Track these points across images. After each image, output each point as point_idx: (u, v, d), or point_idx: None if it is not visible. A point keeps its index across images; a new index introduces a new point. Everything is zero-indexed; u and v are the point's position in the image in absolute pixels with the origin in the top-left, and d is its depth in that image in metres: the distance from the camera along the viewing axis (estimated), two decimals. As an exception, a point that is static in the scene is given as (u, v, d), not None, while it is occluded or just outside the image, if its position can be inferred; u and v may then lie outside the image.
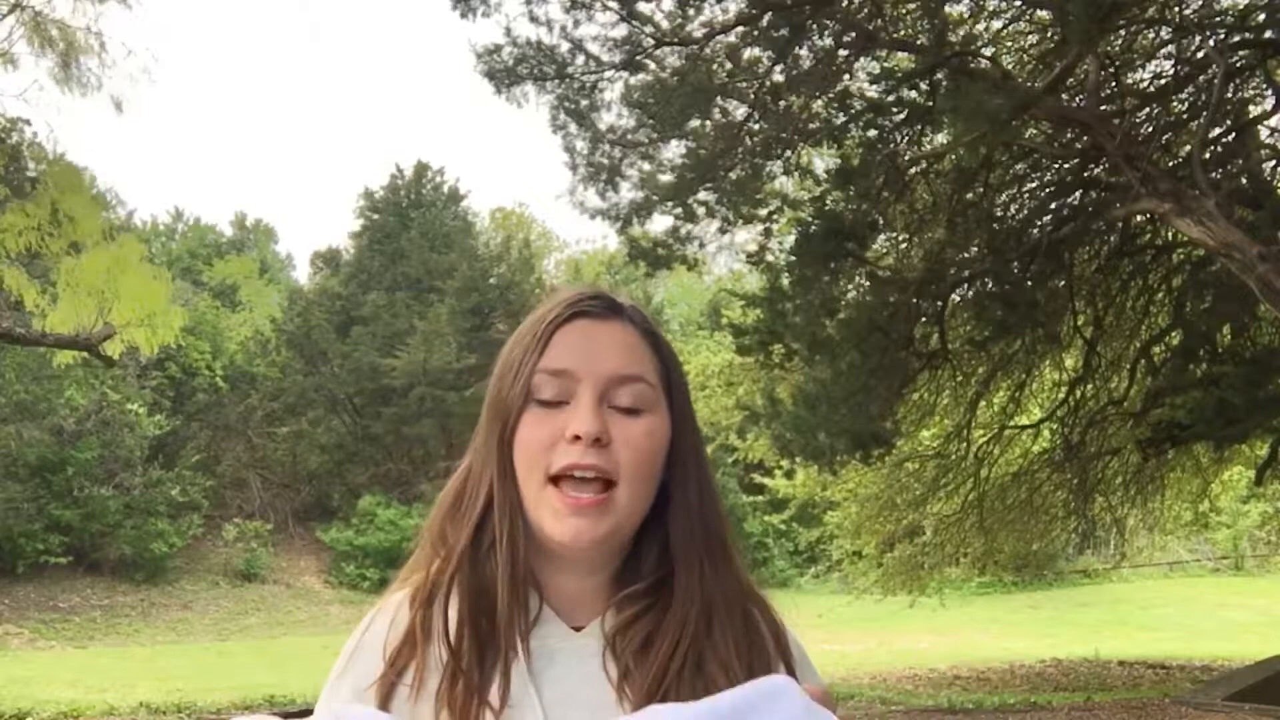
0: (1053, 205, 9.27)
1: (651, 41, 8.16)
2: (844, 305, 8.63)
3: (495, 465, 0.89)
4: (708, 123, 8.50)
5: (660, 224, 9.27)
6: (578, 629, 0.88)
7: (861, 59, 8.21)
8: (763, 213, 9.15)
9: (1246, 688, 8.48)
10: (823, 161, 9.58)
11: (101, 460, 21.33)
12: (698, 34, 8.09)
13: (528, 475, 0.86)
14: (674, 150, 8.74)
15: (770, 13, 7.60)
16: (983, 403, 10.40)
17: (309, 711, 0.87)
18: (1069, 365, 10.60)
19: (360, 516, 24.49)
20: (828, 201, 8.85)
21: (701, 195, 8.67)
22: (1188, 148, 7.36)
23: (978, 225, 8.57)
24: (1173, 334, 9.79)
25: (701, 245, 9.09)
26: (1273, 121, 8.57)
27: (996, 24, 8.88)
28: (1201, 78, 7.84)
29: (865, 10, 7.73)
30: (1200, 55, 7.79)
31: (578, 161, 8.73)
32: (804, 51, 7.96)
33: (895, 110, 8.19)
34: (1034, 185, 9.42)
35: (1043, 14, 8.28)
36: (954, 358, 9.12)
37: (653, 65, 8.32)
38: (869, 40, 7.66)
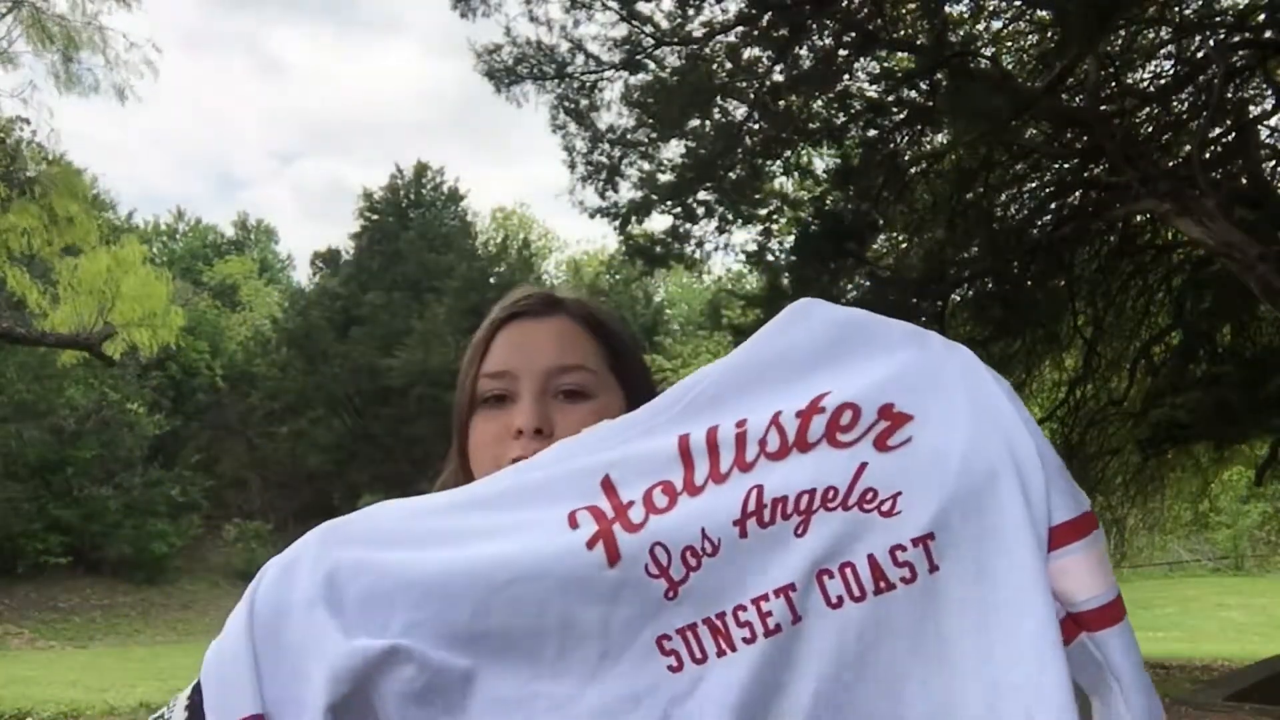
0: (1053, 205, 9.27)
1: (651, 41, 8.16)
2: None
3: (460, 467, 0.95)
4: (708, 123, 8.50)
5: (660, 223, 9.29)
6: None
7: (861, 59, 8.21)
8: (763, 212, 9.15)
9: (1246, 688, 8.47)
10: (823, 161, 9.59)
11: (101, 460, 21.30)
12: (698, 34, 8.09)
13: (481, 472, 0.89)
14: (674, 150, 8.75)
15: (770, 12, 7.60)
16: (983, 403, 10.38)
17: None
18: (1069, 365, 10.60)
19: (360, 516, 24.35)
20: (828, 201, 8.85)
21: (701, 195, 8.68)
22: (1188, 148, 7.36)
23: (978, 225, 8.56)
24: (1173, 334, 9.79)
25: (701, 245, 9.10)
26: (1273, 121, 8.57)
27: (996, 24, 8.88)
28: (1201, 78, 7.84)
29: (865, 10, 7.72)
30: (1200, 55, 7.79)
31: (577, 160, 8.74)
32: (804, 51, 7.96)
33: (895, 110, 8.19)
34: (1034, 185, 9.41)
35: (1043, 14, 8.27)
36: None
37: (653, 65, 8.33)
38: (869, 40, 7.66)
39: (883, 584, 0.69)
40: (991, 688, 0.69)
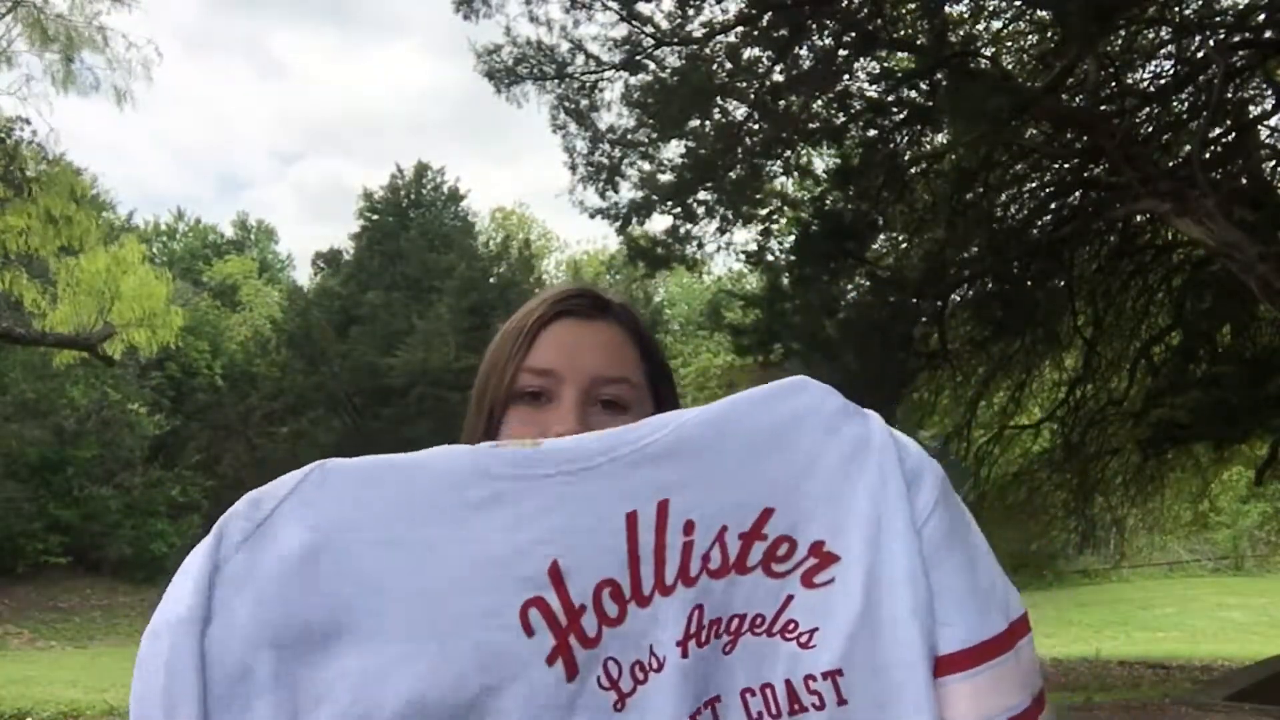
0: (1053, 205, 9.27)
1: (651, 41, 8.16)
2: (843, 305, 8.63)
3: None
4: (708, 123, 8.50)
5: (660, 224, 9.28)
6: None
7: (861, 59, 8.20)
8: (763, 213, 9.14)
9: (1246, 688, 8.47)
10: (823, 161, 9.59)
11: (101, 460, 21.31)
12: (698, 34, 8.09)
13: None
14: (674, 150, 8.75)
15: (770, 13, 7.60)
16: (983, 403, 10.40)
17: None
18: (1069, 365, 10.60)
19: (360, 516, 24.33)
20: (828, 201, 8.86)
21: (701, 195, 8.67)
22: (1188, 148, 7.36)
23: (978, 225, 8.56)
24: (1173, 334, 9.79)
25: (701, 245, 9.10)
26: (1273, 121, 8.57)
27: (996, 24, 8.88)
28: (1201, 78, 7.84)
29: (865, 10, 7.72)
30: (1200, 55, 7.79)
31: (577, 161, 8.74)
32: (804, 51, 7.96)
33: (895, 110, 8.19)
34: (1034, 185, 9.42)
35: (1043, 14, 8.27)
36: (954, 358, 9.12)
37: (653, 65, 8.32)
38: (869, 40, 7.65)
39: (796, 706, 0.76)
40: None
